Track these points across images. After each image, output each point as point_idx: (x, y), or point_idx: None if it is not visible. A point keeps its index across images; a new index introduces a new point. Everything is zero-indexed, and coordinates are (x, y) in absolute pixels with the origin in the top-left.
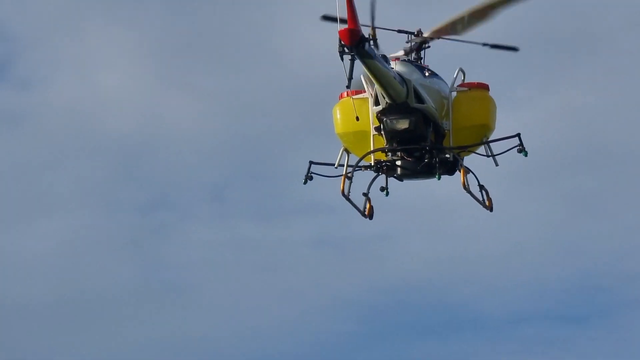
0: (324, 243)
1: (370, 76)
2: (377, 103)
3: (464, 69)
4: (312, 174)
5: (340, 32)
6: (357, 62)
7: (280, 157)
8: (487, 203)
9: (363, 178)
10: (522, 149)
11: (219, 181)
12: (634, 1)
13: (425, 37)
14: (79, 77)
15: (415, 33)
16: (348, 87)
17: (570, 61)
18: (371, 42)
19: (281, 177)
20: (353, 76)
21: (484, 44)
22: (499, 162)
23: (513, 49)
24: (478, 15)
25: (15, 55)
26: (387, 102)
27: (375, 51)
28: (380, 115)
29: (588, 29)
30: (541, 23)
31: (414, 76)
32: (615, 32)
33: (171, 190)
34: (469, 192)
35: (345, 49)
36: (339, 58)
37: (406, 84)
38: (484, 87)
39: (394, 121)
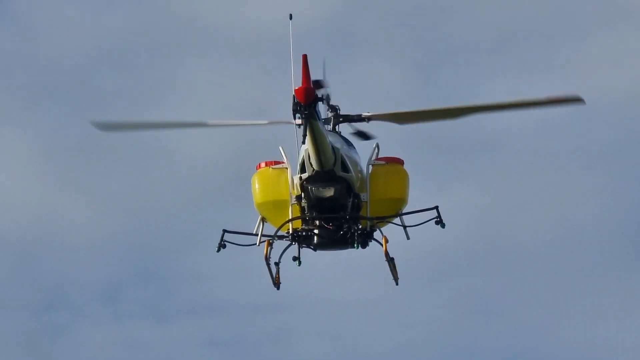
0: (218, 343)
1: (310, 138)
2: (302, 170)
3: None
4: (225, 242)
5: (297, 91)
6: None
7: (175, 257)
8: (394, 274)
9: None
10: (439, 221)
11: (113, 281)
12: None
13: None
14: None
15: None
16: (303, 142)
17: (463, 162)
18: (323, 102)
19: (175, 277)
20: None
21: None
22: (410, 236)
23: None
24: (446, 115)
25: None
26: (313, 170)
27: (321, 114)
28: (305, 184)
29: (480, 129)
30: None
31: (341, 145)
32: (507, 133)
33: (64, 291)
34: (388, 261)
35: (299, 107)
36: (292, 116)
37: (335, 152)
38: (400, 162)
39: (320, 189)
